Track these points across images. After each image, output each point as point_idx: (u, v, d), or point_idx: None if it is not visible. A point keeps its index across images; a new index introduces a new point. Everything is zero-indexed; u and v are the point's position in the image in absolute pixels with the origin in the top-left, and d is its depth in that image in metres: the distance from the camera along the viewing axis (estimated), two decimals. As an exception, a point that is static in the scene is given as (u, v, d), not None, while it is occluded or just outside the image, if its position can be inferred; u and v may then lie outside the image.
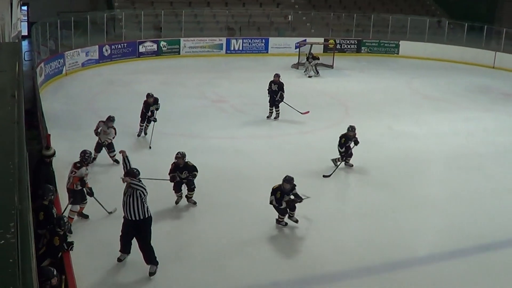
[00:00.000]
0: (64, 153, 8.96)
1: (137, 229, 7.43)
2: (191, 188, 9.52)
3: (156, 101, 13.09)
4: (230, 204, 9.80)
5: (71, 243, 6.89)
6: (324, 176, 11.21)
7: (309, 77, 21.15)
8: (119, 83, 18.98)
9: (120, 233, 7.58)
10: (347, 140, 11.55)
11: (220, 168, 11.54)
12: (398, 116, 16.33)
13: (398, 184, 11.29)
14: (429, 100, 18.61)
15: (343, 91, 18.99)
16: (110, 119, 11.24)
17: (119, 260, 7.71)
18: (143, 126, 13.18)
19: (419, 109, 17.30)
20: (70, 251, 6.77)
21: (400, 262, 8.37)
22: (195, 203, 9.55)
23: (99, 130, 11.14)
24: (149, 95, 13.06)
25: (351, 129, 11.61)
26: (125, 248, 7.70)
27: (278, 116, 15.31)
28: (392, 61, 25.74)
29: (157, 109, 13.03)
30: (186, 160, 9.40)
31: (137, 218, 7.30)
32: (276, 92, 15.07)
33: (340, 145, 11.60)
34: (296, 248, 8.61)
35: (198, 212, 9.47)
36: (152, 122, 12.86)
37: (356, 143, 11.56)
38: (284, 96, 15.10)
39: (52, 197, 7.39)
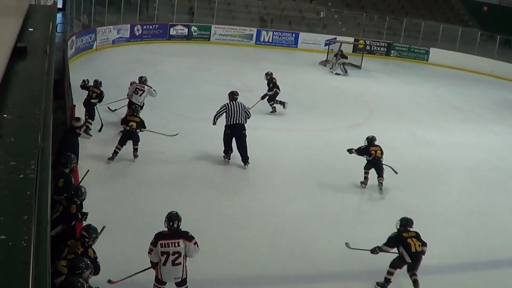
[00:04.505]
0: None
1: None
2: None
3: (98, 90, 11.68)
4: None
5: (86, 214, 6.94)
6: None
7: (336, 74, 21.03)
8: (147, 63, 19.01)
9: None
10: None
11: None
12: (422, 123, 16.11)
13: (415, 192, 11.07)
14: (455, 110, 18.39)
15: (368, 93, 18.88)
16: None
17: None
18: None
19: (444, 118, 17.09)
20: (84, 221, 6.79)
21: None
22: None
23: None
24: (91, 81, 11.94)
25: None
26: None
27: (275, 110, 14.70)
28: (420, 67, 25.51)
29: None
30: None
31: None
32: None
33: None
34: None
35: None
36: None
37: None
38: (278, 93, 14.57)
39: (74, 165, 7.49)
